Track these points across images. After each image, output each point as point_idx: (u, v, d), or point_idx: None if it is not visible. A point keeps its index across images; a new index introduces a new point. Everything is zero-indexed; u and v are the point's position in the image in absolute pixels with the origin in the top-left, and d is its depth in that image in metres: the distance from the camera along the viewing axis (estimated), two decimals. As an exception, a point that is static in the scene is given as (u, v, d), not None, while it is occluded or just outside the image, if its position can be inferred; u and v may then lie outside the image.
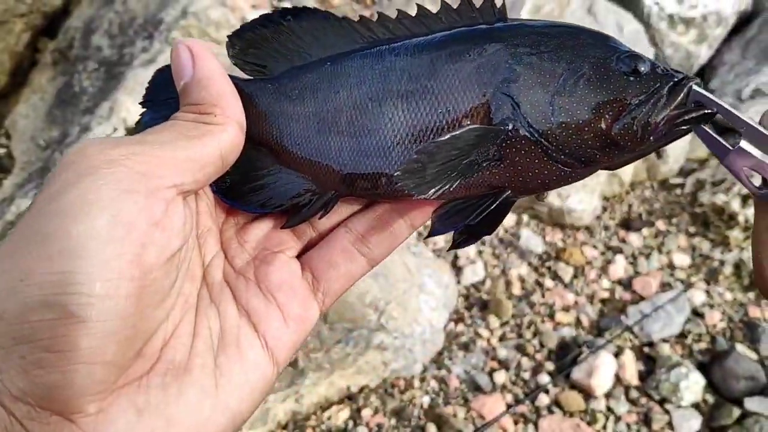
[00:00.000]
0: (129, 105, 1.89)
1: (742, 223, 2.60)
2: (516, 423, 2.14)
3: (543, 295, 2.49)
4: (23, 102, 2.54)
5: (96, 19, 2.50)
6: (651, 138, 0.55)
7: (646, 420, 2.18)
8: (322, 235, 0.64)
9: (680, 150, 2.87)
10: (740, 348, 2.33)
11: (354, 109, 0.60)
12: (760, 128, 0.53)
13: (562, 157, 0.57)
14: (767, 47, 2.98)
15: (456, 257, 2.49)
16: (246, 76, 0.65)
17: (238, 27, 0.61)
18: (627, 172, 2.73)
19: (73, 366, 0.41)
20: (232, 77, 0.59)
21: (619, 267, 2.58)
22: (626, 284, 2.55)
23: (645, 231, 2.73)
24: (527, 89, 0.56)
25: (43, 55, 2.78)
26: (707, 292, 2.52)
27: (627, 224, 2.74)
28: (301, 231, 0.64)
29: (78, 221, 0.42)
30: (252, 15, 2.99)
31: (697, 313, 2.45)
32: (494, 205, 0.59)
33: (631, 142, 0.55)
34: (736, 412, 2.14)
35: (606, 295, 2.52)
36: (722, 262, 2.59)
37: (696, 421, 2.15)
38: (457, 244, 0.61)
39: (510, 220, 2.66)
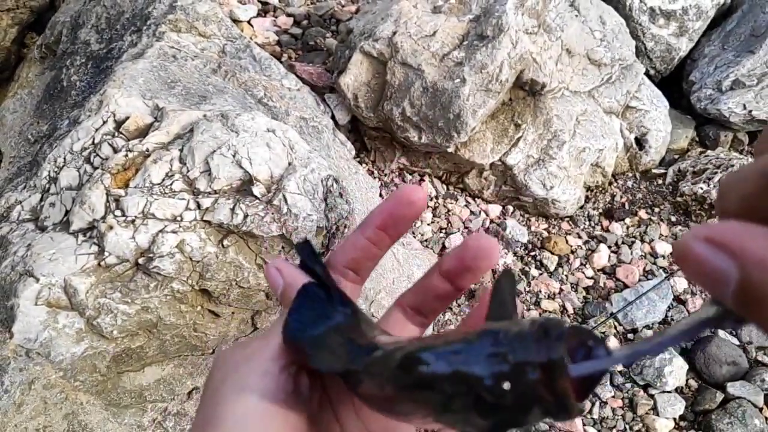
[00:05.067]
0: (118, 98, 1.90)
1: (723, 211, 2.65)
2: (504, 409, 2.17)
3: (529, 284, 2.53)
4: (11, 97, 2.54)
5: (83, 13, 2.50)
6: None
7: (631, 405, 2.23)
8: None
9: (661, 141, 2.92)
10: (722, 334, 2.38)
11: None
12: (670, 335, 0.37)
13: None
14: (746, 39, 3.04)
15: (443, 248, 2.53)
16: None
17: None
18: (609, 162, 2.78)
19: None
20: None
21: (603, 255, 2.62)
22: (610, 272, 2.60)
23: (628, 220, 2.77)
24: None
25: (30, 50, 2.79)
26: (689, 279, 2.55)
27: (610, 214, 2.78)
28: None
29: (235, 406, 0.53)
30: (239, 10, 2.99)
31: (679, 300, 2.50)
32: None
33: None
34: (719, 396, 2.20)
35: (590, 283, 2.56)
36: (704, 250, 2.63)
37: (680, 405, 2.20)
38: None
39: (496, 210, 2.69)
